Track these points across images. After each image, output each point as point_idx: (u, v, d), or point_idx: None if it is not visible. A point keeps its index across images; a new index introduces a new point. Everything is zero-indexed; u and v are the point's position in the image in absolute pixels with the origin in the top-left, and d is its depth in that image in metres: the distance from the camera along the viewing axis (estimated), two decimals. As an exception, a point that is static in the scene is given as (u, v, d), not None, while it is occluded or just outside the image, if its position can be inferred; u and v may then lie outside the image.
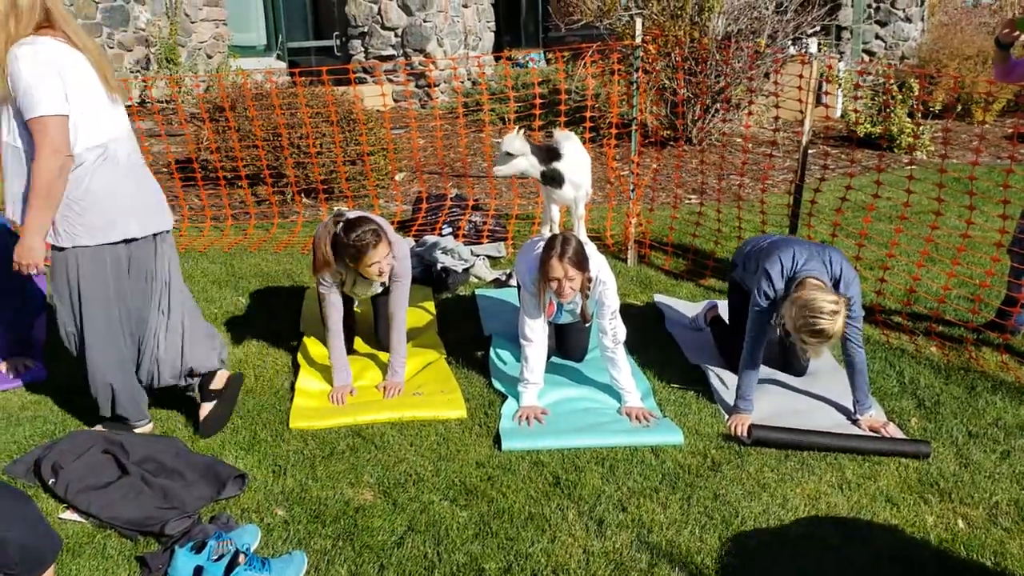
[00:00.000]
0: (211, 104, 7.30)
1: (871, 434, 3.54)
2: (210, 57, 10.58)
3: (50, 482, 3.06)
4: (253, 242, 6.06)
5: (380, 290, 4.06)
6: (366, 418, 3.63)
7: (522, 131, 4.65)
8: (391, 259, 3.71)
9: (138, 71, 9.65)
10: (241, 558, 2.64)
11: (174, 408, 3.71)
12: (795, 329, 3.31)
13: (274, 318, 4.68)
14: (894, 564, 2.79)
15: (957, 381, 4.01)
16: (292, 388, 3.91)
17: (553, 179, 4.62)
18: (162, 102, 9.56)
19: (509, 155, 4.69)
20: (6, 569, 1.92)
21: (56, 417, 3.62)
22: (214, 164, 6.80)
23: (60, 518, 2.94)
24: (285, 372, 4.10)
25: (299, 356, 4.17)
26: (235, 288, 5.12)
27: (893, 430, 3.57)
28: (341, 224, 3.67)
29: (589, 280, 3.70)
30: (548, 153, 4.70)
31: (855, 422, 3.65)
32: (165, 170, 7.53)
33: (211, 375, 3.56)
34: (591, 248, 3.76)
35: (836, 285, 3.50)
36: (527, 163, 4.69)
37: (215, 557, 2.64)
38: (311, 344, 4.24)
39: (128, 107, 3.40)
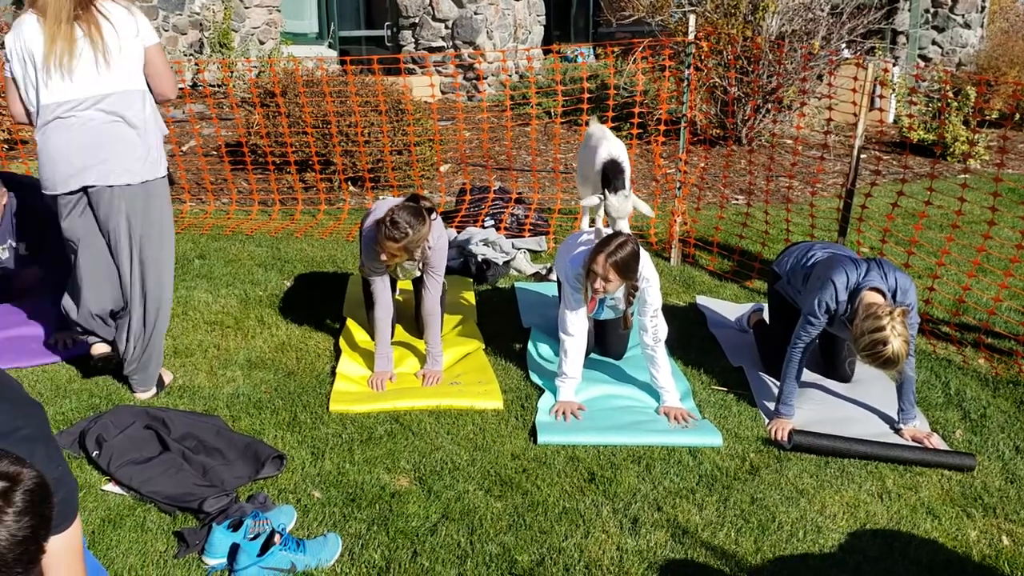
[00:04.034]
0: (262, 89, 7.38)
1: (914, 444, 3.48)
2: (262, 43, 10.69)
3: (94, 454, 3.12)
4: (299, 227, 6.12)
5: (418, 273, 4.09)
6: (404, 405, 3.65)
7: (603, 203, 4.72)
8: (394, 259, 3.72)
9: (191, 54, 9.78)
10: (277, 538, 2.67)
11: (215, 386, 3.76)
12: (864, 359, 3.29)
13: (318, 302, 4.72)
14: (934, 577, 2.74)
15: (1005, 395, 3.92)
16: (333, 372, 3.95)
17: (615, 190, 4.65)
18: (214, 86, 9.68)
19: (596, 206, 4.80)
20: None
21: (101, 391, 3.69)
22: (263, 149, 6.87)
23: (102, 490, 3.00)
24: (327, 356, 4.14)
25: (341, 340, 4.20)
26: (280, 272, 5.17)
27: (937, 441, 3.50)
28: (407, 202, 3.70)
29: (635, 289, 3.67)
30: (614, 170, 4.73)
31: (898, 431, 3.59)
32: (215, 153, 7.63)
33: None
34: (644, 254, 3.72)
35: (893, 295, 3.44)
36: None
37: (251, 536, 2.67)
38: (353, 329, 4.27)
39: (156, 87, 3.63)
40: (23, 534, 1.66)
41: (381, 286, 3.90)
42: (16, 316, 4.31)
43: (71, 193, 3.47)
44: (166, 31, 9.55)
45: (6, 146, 7.09)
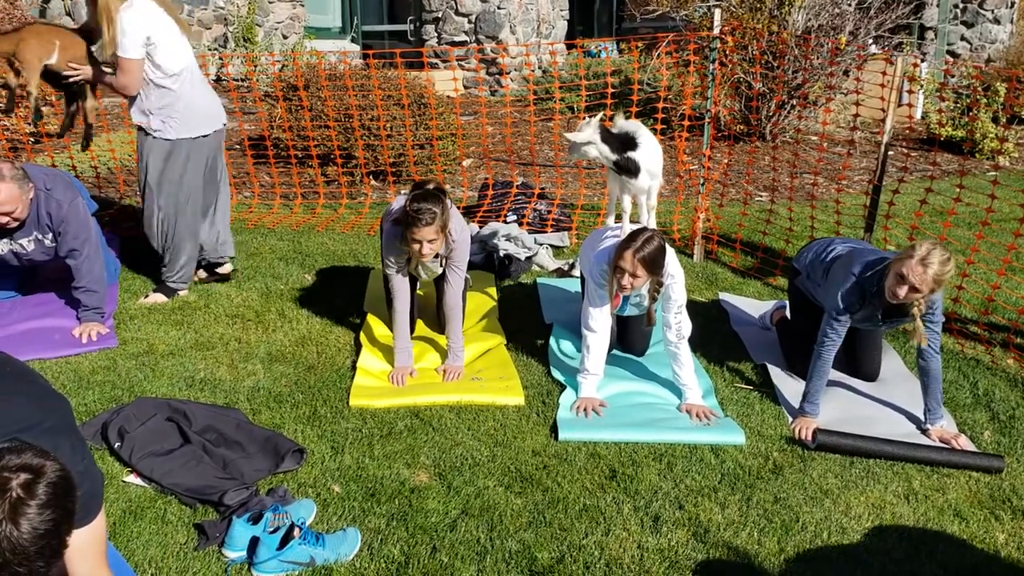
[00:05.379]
0: (285, 83, 7.38)
1: (941, 445, 3.43)
2: (286, 37, 10.72)
3: (116, 446, 3.13)
4: (321, 221, 6.12)
5: (441, 271, 4.07)
6: (425, 400, 3.64)
7: (595, 119, 4.53)
8: (435, 246, 3.68)
9: (216, 49, 9.82)
10: (296, 531, 2.66)
11: (236, 379, 3.77)
12: (895, 280, 3.26)
13: (338, 297, 4.72)
14: (961, 581, 2.70)
15: (1035, 396, 3.85)
16: (353, 366, 3.94)
17: (628, 169, 4.51)
18: (238, 80, 9.72)
19: (576, 145, 4.59)
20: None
21: (124, 383, 3.70)
22: (286, 143, 6.88)
23: (124, 481, 3.01)
24: (347, 350, 4.13)
25: (361, 335, 4.20)
26: (301, 265, 5.17)
27: (964, 442, 3.45)
28: (415, 192, 3.70)
29: (660, 284, 3.64)
30: (623, 142, 4.59)
31: (925, 432, 3.53)
32: (238, 147, 7.64)
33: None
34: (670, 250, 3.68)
35: None
36: (596, 151, 4.59)
37: (271, 529, 2.67)
38: (374, 324, 4.26)
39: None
40: (45, 527, 1.65)
41: (402, 281, 3.89)
42: (40, 308, 4.34)
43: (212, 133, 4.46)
44: (191, 25, 9.59)
45: (32, 139, 7.14)
